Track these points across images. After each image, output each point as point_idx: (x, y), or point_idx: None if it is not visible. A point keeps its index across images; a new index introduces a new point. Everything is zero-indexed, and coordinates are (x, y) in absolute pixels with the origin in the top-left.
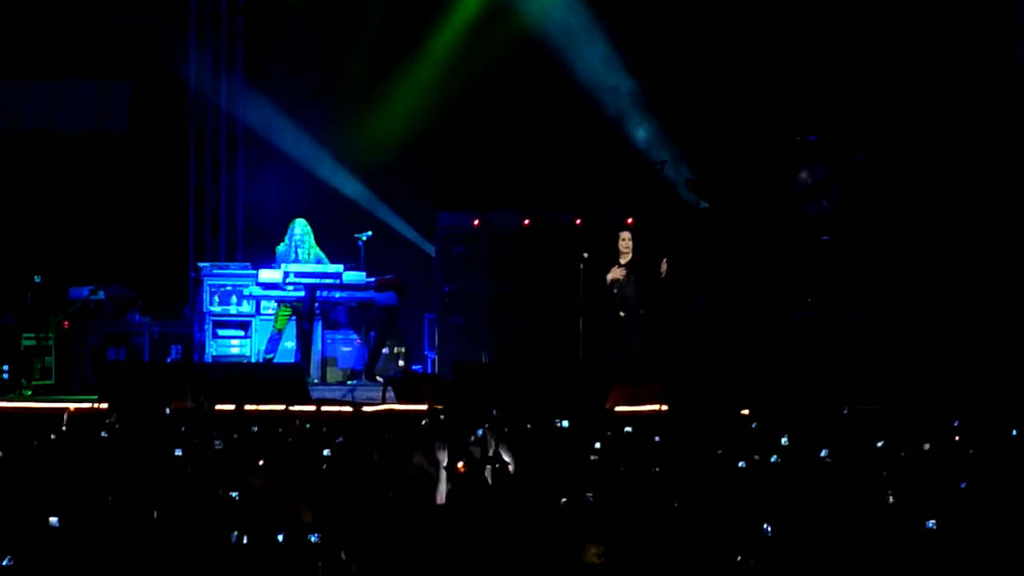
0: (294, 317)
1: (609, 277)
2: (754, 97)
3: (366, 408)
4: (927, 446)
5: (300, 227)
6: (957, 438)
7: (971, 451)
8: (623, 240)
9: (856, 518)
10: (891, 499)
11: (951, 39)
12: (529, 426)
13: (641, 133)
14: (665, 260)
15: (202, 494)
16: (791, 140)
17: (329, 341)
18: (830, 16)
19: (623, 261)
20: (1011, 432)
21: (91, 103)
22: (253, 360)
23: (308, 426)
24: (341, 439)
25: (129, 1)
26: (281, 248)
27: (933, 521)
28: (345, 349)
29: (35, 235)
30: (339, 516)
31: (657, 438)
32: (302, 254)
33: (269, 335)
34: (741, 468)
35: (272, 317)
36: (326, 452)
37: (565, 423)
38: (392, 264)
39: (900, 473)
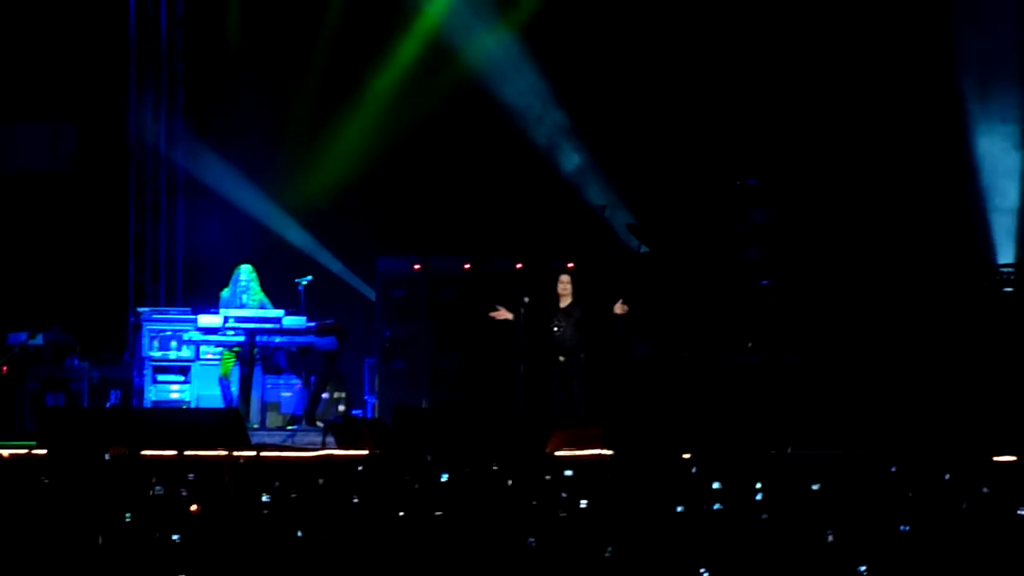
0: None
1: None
2: (695, 141)
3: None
4: (864, 490)
5: (245, 273)
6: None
7: (909, 495)
8: (562, 283)
9: (795, 560)
10: (831, 538)
11: (892, 85)
12: (468, 470)
13: (580, 175)
14: (622, 301)
15: (142, 538)
16: (732, 184)
17: (270, 386)
18: (771, 60)
19: (563, 304)
20: (944, 477)
21: (37, 146)
22: (193, 406)
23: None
24: (278, 483)
25: (73, 45)
26: (225, 293)
27: (864, 567)
28: (285, 394)
29: None
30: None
31: (597, 482)
32: (247, 299)
33: (221, 387)
34: (680, 512)
35: (214, 362)
36: (265, 498)
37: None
38: (333, 309)
39: (838, 516)
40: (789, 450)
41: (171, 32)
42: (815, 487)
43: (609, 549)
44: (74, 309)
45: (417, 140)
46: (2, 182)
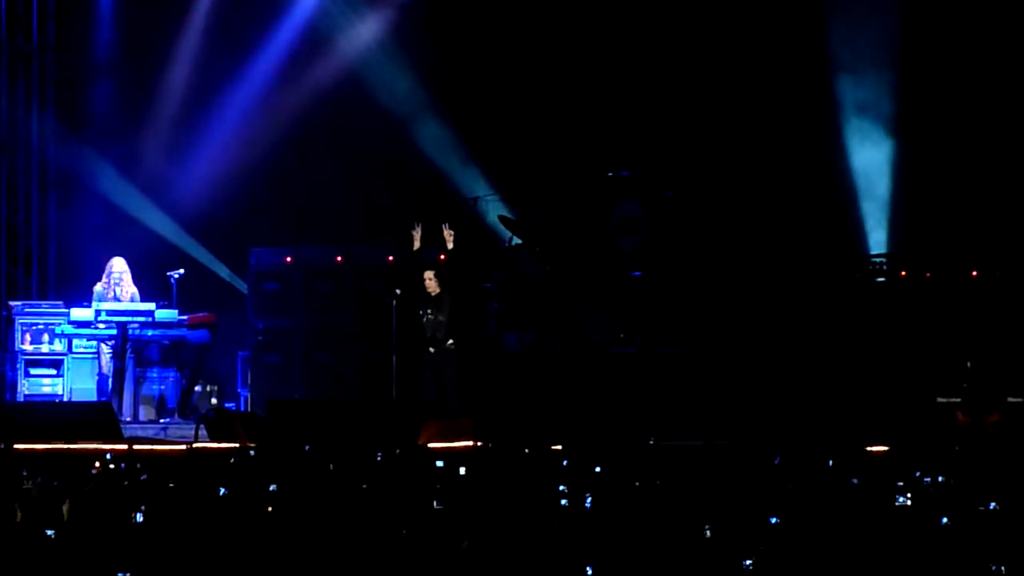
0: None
1: None
2: (567, 133)
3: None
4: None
5: (118, 266)
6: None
7: (789, 486)
8: (428, 279)
9: (673, 554)
10: (708, 533)
11: (763, 75)
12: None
13: (453, 167)
14: (447, 228)
15: (15, 533)
16: (603, 176)
17: (142, 379)
18: (643, 52)
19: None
20: (827, 463)
21: None
22: (65, 399)
23: (123, 465)
24: (146, 476)
25: None
26: (99, 288)
27: (749, 560)
28: (158, 387)
29: None
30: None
31: (465, 472)
32: (120, 293)
33: (98, 381)
34: (563, 507)
35: (87, 356)
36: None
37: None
38: (205, 302)
39: (714, 507)
40: (651, 441)
41: (42, 28)
42: (690, 478)
43: (465, 542)
44: None
45: (289, 131)
46: None
